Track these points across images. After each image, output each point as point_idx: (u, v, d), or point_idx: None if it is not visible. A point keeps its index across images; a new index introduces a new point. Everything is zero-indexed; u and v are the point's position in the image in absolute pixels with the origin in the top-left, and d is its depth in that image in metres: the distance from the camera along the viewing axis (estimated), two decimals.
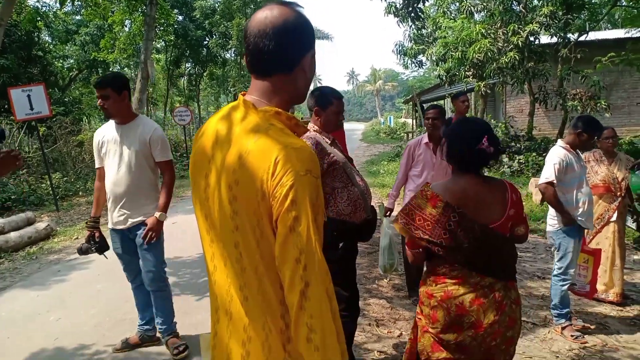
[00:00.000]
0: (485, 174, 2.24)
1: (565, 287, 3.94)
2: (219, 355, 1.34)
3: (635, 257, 5.98)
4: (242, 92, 1.34)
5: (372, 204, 3.15)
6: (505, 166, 11.63)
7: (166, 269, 3.78)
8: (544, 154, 11.50)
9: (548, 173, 3.88)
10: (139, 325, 3.89)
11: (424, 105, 22.09)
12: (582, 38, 13.28)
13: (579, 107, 11.77)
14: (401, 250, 4.86)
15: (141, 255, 3.63)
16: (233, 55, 29.28)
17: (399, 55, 16.54)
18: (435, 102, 17.40)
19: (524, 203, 2.29)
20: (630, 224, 5.74)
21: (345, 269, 3.14)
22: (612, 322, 4.23)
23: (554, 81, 12.96)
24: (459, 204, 2.10)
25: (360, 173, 3.20)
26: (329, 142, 3.13)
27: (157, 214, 3.54)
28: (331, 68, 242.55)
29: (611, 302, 4.57)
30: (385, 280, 5.37)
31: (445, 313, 2.15)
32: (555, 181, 3.86)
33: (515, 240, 2.23)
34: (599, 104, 12.09)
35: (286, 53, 1.26)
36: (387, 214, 4.48)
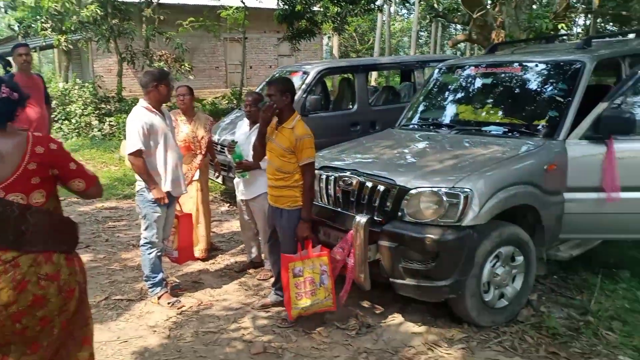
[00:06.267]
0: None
1: (153, 254, 3.70)
2: None
3: (223, 208, 6.40)
4: None
5: None
6: (96, 130, 10.75)
7: None
8: None
9: (133, 141, 3.51)
10: None
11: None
12: (164, 0, 13.49)
13: (165, 69, 11.96)
14: None
15: None
16: None
17: None
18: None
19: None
20: (215, 178, 6.02)
21: None
22: (206, 278, 4.27)
23: (140, 41, 12.76)
24: None
25: None
26: None
27: None
28: None
29: (198, 259, 4.58)
30: None
31: None
32: (143, 148, 3.52)
33: (83, 196, 2.15)
34: (183, 67, 12.67)
35: None
36: None
